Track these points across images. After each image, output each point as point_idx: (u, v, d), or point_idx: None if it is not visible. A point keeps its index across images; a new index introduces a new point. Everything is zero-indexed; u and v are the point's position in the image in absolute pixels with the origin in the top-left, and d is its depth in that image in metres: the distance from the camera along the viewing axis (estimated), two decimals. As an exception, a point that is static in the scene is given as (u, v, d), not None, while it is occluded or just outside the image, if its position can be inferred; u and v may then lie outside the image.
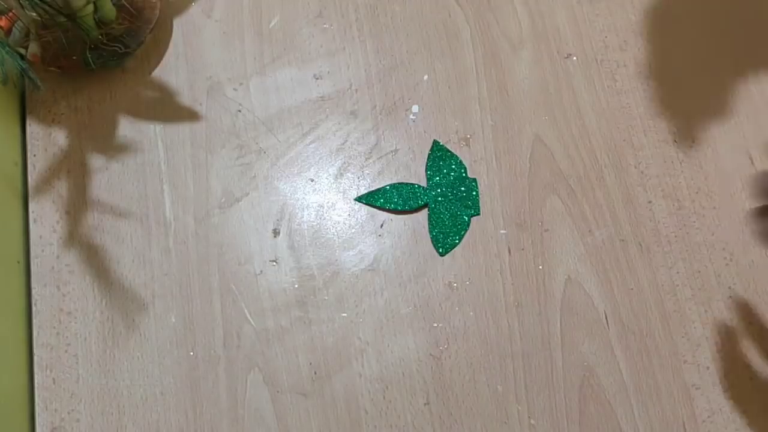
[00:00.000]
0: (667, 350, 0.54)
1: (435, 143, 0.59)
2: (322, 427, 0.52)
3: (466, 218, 0.56)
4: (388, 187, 0.57)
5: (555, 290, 0.55)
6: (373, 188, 0.57)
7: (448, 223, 0.56)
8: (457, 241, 0.56)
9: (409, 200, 0.57)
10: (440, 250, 0.56)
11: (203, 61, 0.61)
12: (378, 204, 0.57)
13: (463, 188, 0.57)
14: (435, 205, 0.57)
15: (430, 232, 0.56)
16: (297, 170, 0.58)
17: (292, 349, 0.53)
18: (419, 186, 0.57)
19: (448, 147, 0.59)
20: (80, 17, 0.54)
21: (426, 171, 0.58)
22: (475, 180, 0.57)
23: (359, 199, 0.57)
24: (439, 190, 0.57)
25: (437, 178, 0.57)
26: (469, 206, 0.57)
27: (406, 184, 0.57)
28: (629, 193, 0.58)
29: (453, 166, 0.58)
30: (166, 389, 0.52)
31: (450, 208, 0.57)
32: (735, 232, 0.57)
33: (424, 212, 0.57)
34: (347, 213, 0.57)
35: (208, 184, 0.57)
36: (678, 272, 0.56)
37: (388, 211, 0.57)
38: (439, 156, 0.58)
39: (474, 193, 0.57)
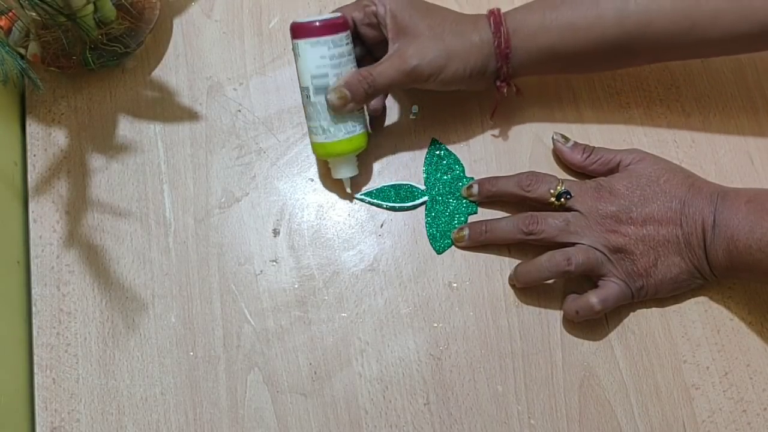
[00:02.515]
0: (667, 350, 0.54)
1: (433, 141, 0.59)
2: (322, 427, 0.52)
3: (464, 217, 0.56)
4: (386, 187, 0.57)
5: (555, 290, 0.55)
6: (373, 188, 0.57)
7: (446, 221, 0.56)
8: (451, 243, 0.56)
9: (407, 199, 0.57)
10: (437, 249, 0.56)
11: (203, 61, 0.61)
12: (375, 201, 0.57)
13: (461, 185, 0.57)
14: (432, 204, 0.57)
15: (428, 230, 0.56)
16: (297, 170, 0.58)
17: (292, 349, 0.53)
18: (417, 187, 0.57)
19: (448, 147, 0.59)
20: (80, 17, 0.54)
21: (423, 169, 0.58)
22: (472, 179, 0.57)
23: (359, 197, 0.57)
24: (436, 189, 0.57)
25: (435, 176, 0.57)
26: (467, 205, 0.57)
27: (405, 183, 0.57)
28: (629, 193, 0.58)
29: (451, 165, 0.58)
30: (166, 389, 0.52)
31: (448, 207, 0.57)
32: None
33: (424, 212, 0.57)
34: (347, 213, 0.57)
35: (208, 184, 0.57)
36: (678, 272, 0.56)
37: (386, 209, 0.57)
38: (437, 154, 0.58)
39: None
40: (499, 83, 0.54)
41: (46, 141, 0.58)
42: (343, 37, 0.52)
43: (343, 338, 0.54)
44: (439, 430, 0.52)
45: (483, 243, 0.55)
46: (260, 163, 0.58)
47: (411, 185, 0.57)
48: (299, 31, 0.52)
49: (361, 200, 0.57)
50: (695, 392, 0.53)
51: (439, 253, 0.56)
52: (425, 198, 0.57)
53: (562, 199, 0.53)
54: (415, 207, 0.57)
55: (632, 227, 0.51)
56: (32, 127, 0.58)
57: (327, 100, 0.52)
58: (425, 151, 0.58)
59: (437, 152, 0.58)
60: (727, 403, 0.53)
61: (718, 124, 0.60)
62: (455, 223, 0.56)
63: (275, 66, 0.61)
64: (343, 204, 0.57)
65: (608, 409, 0.52)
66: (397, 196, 0.57)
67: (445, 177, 0.57)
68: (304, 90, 0.53)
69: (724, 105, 0.61)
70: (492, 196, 0.56)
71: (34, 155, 0.58)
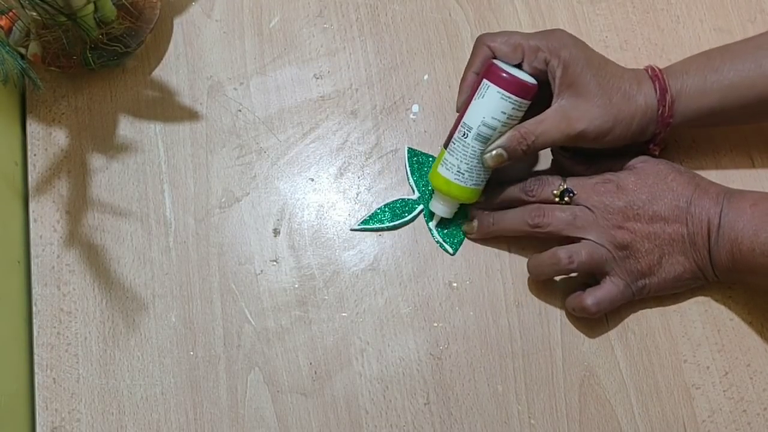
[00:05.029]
0: (667, 350, 0.54)
1: (408, 150, 0.58)
2: (322, 427, 0.52)
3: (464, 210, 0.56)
4: (378, 210, 0.56)
5: (555, 289, 0.55)
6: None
7: (449, 219, 0.56)
8: (463, 236, 0.56)
9: (404, 213, 0.56)
10: (451, 250, 0.55)
11: (203, 60, 0.61)
12: (373, 226, 0.56)
13: None
14: (429, 209, 0.56)
15: (435, 236, 0.56)
16: (297, 170, 0.58)
17: (293, 349, 0.53)
18: (409, 198, 0.57)
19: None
20: (80, 17, 0.54)
21: (410, 179, 0.57)
22: None
23: (356, 228, 0.56)
24: (429, 192, 0.57)
25: (423, 181, 0.57)
26: None
27: (396, 199, 0.57)
28: (629, 193, 0.57)
29: (431, 165, 0.57)
30: (166, 389, 0.52)
31: None
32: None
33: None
34: (347, 213, 0.57)
35: (208, 183, 0.57)
36: (678, 272, 0.56)
37: (389, 229, 0.56)
38: (416, 160, 0.57)
39: None
40: (652, 146, 0.54)
41: (47, 141, 0.58)
42: (527, 104, 0.51)
43: (344, 338, 0.54)
44: (440, 429, 0.52)
45: (492, 234, 0.55)
46: (260, 162, 0.58)
47: (402, 199, 0.57)
48: (498, 78, 0.50)
49: (360, 230, 0.56)
50: (695, 392, 0.53)
51: (453, 253, 0.55)
52: (421, 206, 0.56)
53: (566, 198, 0.52)
54: (414, 218, 0.56)
55: (639, 224, 0.51)
56: (33, 127, 0.58)
57: (483, 159, 0.51)
58: (426, 150, 0.58)
59: (415, 158, 0.58)
60: (728, 403, 0.53)
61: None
62: (459, 220, 0.56)
63: (276, 66, 0.61)
64: (344, 204, 0.57)
65: (608, 409, 0.52)
66: (393, 215, 0.56)
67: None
68: (464, 126, 0.52)
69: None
70: (500, 203, 0.55)
71: (35, 155, 0.58)
